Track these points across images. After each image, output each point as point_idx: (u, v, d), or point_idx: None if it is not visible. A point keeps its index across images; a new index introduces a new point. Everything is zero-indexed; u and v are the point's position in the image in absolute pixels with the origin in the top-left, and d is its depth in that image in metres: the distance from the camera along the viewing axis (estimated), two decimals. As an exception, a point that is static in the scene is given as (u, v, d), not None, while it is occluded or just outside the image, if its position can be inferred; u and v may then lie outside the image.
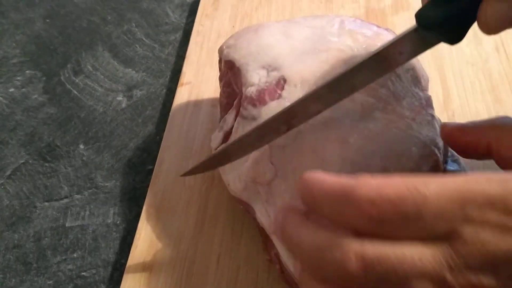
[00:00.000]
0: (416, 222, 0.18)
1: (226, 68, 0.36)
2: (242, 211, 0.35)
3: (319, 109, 0.27)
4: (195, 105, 0.44)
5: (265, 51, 0.33)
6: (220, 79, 0.38)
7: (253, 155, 0.30)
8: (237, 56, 0.34)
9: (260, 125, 0.28)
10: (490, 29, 0.23)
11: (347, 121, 0.29)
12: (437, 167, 0.28)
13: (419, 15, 0.24)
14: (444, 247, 0.18)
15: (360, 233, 0.19)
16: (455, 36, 0.24)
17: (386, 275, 0.18)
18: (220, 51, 0.37)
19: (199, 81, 0.46)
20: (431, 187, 0.18)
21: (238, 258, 0.34)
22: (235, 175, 0.32)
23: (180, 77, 0.46)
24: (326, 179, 0.20)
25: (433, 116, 0.30)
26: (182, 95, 0.45)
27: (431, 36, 0.24)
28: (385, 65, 0.26)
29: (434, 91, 0.42)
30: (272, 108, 0.30)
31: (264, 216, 0.30)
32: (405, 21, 0.49)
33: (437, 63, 0.45)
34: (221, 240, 0.35)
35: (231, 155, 0.30)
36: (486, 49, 0.45)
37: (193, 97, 0.45)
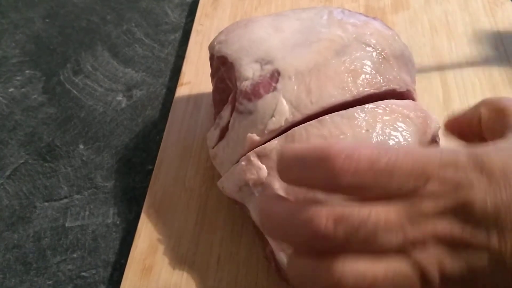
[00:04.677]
0: (388, 179, 0.19)
1: (219, 64, 0.36)
2: (242, 211, 0.35)
3: None
4: (195, 105, 0.44)
5: (257, 45, 0.33)
6: (212, 75, 0.38)
7: (242, 159, 0.30)
8: (229, 51, 0.34)
9: None
10: None
11: (337, 118, 0.29)
12: None
13: None
14: (406, 203, 0.19)
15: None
16: None
17: (354, 230, 0.19)
18: (211, 47, 0.37)
19: (198, 81, 0.46)
20: (400, 150, 0.19)
21: (238, 258, 0.34)
22: (228, 180, 0.32)
23: (180, 76, 0.46)
24: (299, 145, 0.21)
25: (425, 113, 0.31)
26: (181, 95, 0.45)
27: None
28: None
29: (434, 91, 0.42)
30: (268, 101, 0.30)
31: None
32: (405, 20, 0.49)
33: (437, 63, 0.45)
34: (221, 240, 0.35)
35: None
36: (486, 49, 0.45)
37: (192, 97, 0.45)
